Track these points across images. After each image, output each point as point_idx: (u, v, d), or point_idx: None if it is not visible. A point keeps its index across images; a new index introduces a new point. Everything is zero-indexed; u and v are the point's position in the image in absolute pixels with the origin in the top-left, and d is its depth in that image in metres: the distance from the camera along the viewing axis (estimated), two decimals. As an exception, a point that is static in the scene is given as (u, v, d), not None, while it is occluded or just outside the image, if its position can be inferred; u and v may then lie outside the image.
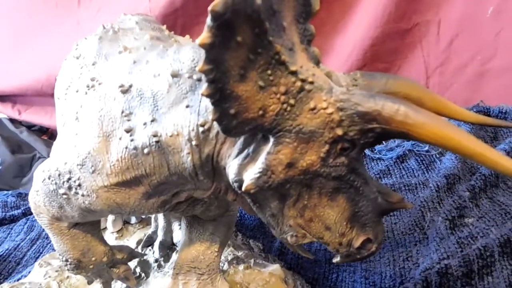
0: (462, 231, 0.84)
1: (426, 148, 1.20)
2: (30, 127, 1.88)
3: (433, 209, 0.94)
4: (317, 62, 0.40)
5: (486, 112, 1.32)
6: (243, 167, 0.41)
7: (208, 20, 0.30)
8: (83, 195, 0.49)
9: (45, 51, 1.66)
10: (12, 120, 1.86)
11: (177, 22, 1.50)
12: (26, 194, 1.54)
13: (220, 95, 0.35)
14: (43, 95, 1.74)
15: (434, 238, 0.83)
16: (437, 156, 1.17)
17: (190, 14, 1.49)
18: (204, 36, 0.31)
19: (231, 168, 0.42)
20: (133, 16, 0.62)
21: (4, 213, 1.37)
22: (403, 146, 1.24)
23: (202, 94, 0.35)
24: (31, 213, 1.34)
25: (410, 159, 1.21)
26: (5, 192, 1.56)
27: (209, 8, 0.30)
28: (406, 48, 1.48)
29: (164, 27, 0.62)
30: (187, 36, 0.59)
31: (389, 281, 0.77)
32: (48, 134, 1.92)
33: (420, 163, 1.17)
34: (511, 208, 0.89)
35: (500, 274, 0.70)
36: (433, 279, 0.69)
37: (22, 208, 1.39)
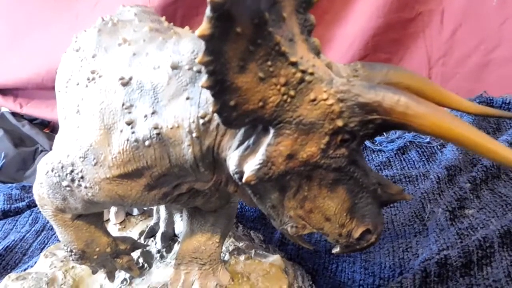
0: (462, 223, 0.84)
1: (427, 140, 1.20)
2: (31, 120, 1.89)
3: (434, 201, 0.94)
4: (317, 53, 0.40)
5: (489, 103, 1.31)
6: (243, 159, 0.41)
7: (208, 11, 0.30)
8: (86, 187, 0.49)
9: (45, 44, 1.66)
10: (14, 114, 1.86)
11: (177, 13, 1.49)
12: (30, 187, 1.56)
13: (220, 87, 0.35)
14: (44, 89, 1.74)
15: (434, 229, 0.84)
16: (438, 147, 1.17)
17: (190, 5, 1.48)
18: (204, 27, 0.31)
19: (232, 159, 0.42)
20: (132, 8, 0.62)
21: (9, 206, 1.39)
22: (404, 138, 1.24)
23: (202, 86, 0.35)
24: (35, 206, 1.36)
25: (411, 151, 1.21)
26: (9, 185, 1.58)
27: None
28: (408, 38, 1.46)
29: (163, 18, 0.62)
30: (187, 28, 0.59)
31: (388, 271, 0.77)
32: (50, 128, 1.92)
33: (421, 154, 1.17)
34: (511, 199, 0.89)
35: (499, 264, 0.70)
36: (432, 269, 0.69)
37: (27, 201, 1.41)
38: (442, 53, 1.46)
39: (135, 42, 0.50)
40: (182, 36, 0.47)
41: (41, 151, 1.82)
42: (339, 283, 0.78)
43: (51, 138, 1.83)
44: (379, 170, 1.17)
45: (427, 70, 1.48)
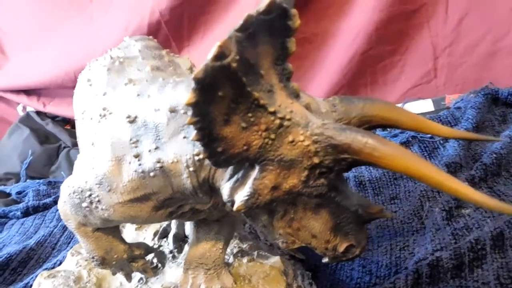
0: (458, 222, 0.86)
1: (430, 135, 1.22)
2: (54, 118, 2.01)
3: (432, 199, 0.97)
4: (296, 96, 0.45)
5: (495, 94, 1.31)
6: (234, 190, 0.47)
7: (192, 84, 0.36)
8: (102, 209, 0.56)
9: (62, 46, 1.74)
10: (38, 113, 1.98)
11: (184, 14, 1.52)
12: (56, 182, 1.67)
13: (208, 139, 0.40)
14: (64, 88, 1.84)
15: (430, 229, 0.87)
16: (441, 142, 1.19)
17: (196, 5, 1.51)
18: (190, 97, 0.36)
19: (224, 190, 0.48)
20: (137, 42, 0.67)
21: (38, 201, 1.49)
22: (407, 133, 1.26)
23: (193, 140, 0.40)
24: (61, 201, 1.46)
25: (413, 146, 1.22)
26: (37, 180, 1.70)
27: (192, 76, 0.35)
28: (412, 29, 1.45)
29: (164, 52, 0.67)
30: (186, 57, 0.64)
31: (384, 270, 0.82)
32: (70, 124, 2.03)
33: (423, 149, 1.19)
34: (510, 198, 0.90)
35: (490, 267, 0.71)
36: (424, 270, 0.72)
37: (53, 197, 1.51)
38: (448, 43, 1.44)
39: (139, 82, 0.56)
40: (179, 81, 0.53)
41: (64, 147, 1.94)
42: (338, 280, 0.84)
43: (72, 135, 1.95)
44: (382, 166, 1.20)
45: (432, 60, 1.47)
